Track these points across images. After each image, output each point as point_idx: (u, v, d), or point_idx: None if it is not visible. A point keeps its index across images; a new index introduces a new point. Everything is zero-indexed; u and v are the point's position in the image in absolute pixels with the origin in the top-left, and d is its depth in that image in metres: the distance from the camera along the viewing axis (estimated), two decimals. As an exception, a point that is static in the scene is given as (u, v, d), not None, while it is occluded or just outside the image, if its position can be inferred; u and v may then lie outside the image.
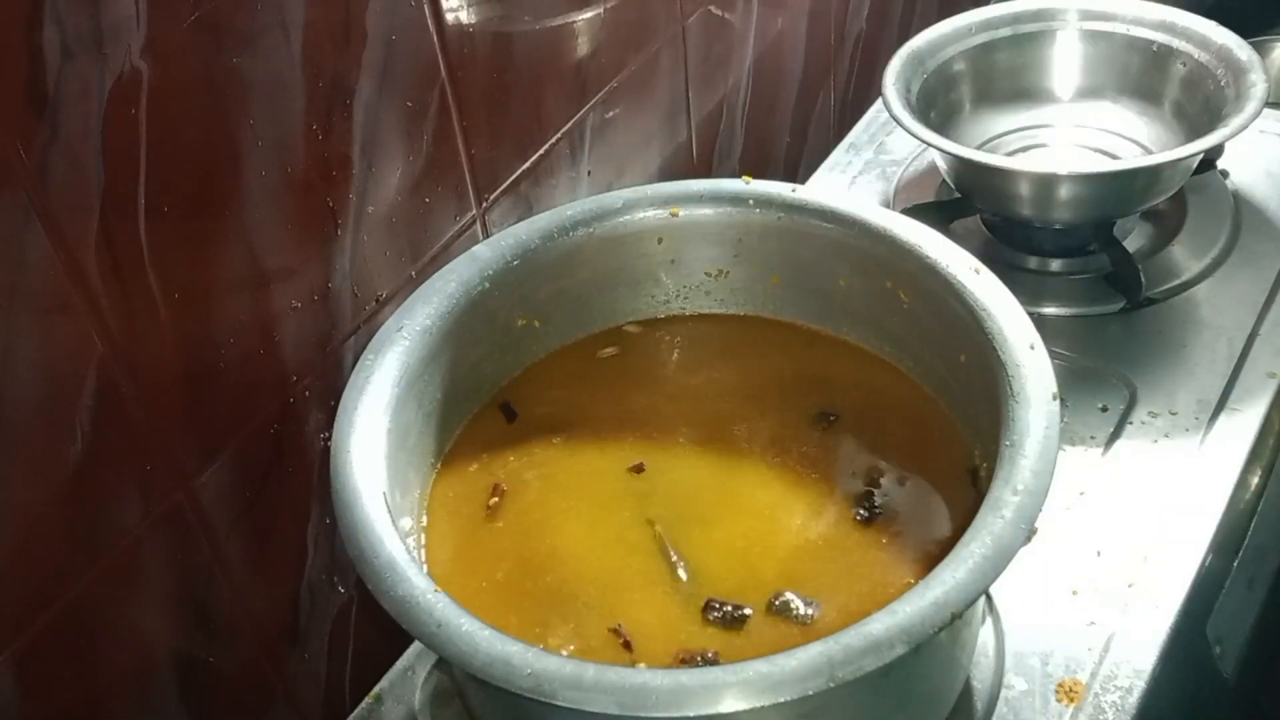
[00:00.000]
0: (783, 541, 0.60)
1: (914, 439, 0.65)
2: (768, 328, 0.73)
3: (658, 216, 0.70)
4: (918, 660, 0.50)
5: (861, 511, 0.61)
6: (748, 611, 0.56)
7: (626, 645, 0.56)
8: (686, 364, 0.72)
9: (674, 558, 0.59)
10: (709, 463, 0.65)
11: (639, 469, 0.64)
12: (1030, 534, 0.50)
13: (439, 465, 0.65)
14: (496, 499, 0.63)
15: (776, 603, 0.56)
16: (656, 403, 0.69)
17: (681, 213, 0.70)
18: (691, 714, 0.45)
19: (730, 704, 0.45)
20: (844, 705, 0.52)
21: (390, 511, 0.54)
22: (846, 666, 0.46)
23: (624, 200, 0.70)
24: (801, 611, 0.56)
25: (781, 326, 0.73)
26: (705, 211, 0.70)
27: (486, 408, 0.69)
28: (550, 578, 0.59)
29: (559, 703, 0.46)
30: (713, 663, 0.55)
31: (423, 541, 0.61)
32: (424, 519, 0.62)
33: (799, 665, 0.46)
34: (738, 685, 0.45)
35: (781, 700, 0.45)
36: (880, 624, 0.47)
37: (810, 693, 0.45)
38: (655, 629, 0.57)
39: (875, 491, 0.62)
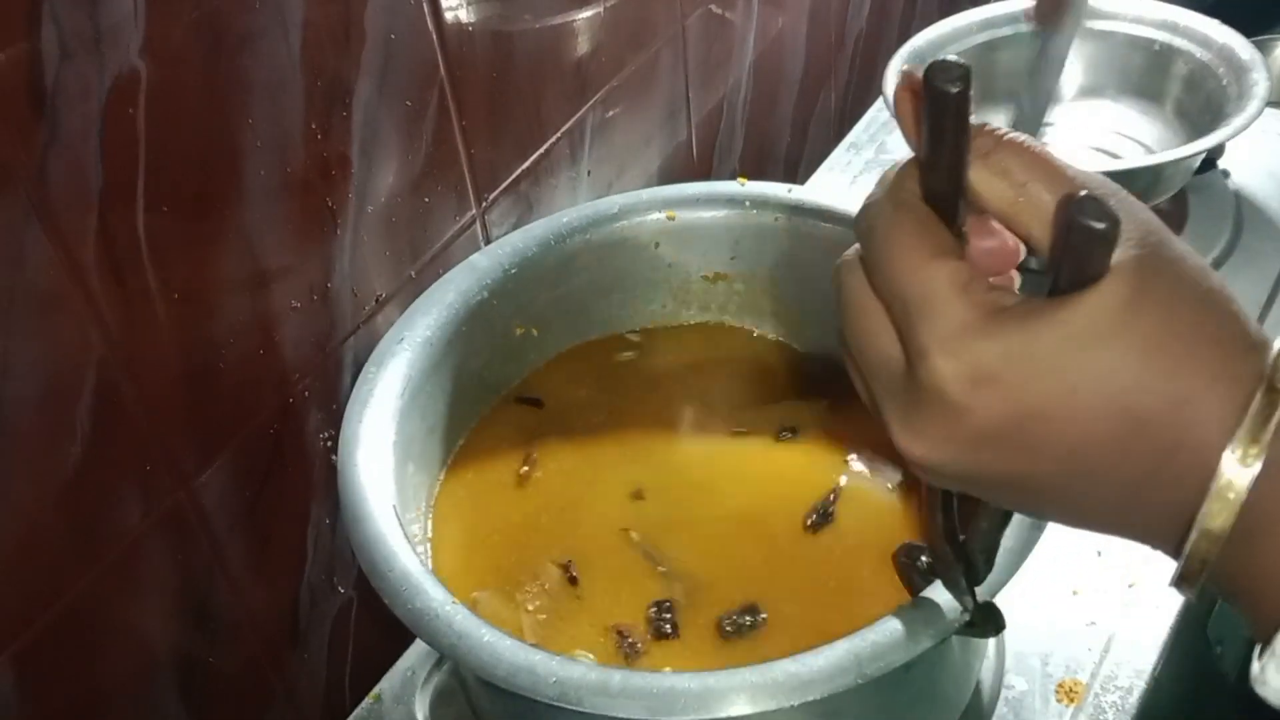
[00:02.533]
0: (763, 542, 0.61)
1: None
2: (767, 329, 0.73)
3: (654, 221, 0.70)
4: (935, 658, 0.50)
5: (813, 518, 0.61)
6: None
7: (573, 580, 0.58)
8: (685, 367, 0.72)
9: (653, 557, 0.60)
10: (704, 463, 0.65)
11: (638, 493, 0.64)
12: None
13: (443, 475, 0.65)
14: (512, 494, 0.64)
15: (725, 624, 0.56)
16: (654, 407, 0.69)
17: (678, 216, 0.70)
18: (721, 716, 0.45)
19: (760, 704, 0.45)
20: (866, 705, 0.52)
21: (401, 524, 0.54)
22: (875, 663, 0.46)
23: (620, 205, 0.70)
24: (746, 623, 0.56)
25: (781, 328, 0.73)
26: (702, 214, 0.70)
27: (489, 417, 0.69)
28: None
29: (586, 709, 0.46)
30: (634, 648, 0.56)
31: (429, 551, 0.61)
32: (430, 529, 0.62)
33: (826, 664, 0.46)
34: (766, 686, 0.46)
35: (810, 699, 0.45)
36: (904, 618, 0.47)
37: (839, 690, 0.45)
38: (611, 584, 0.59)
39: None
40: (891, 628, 0.47)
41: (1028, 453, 0.33)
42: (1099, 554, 0.70)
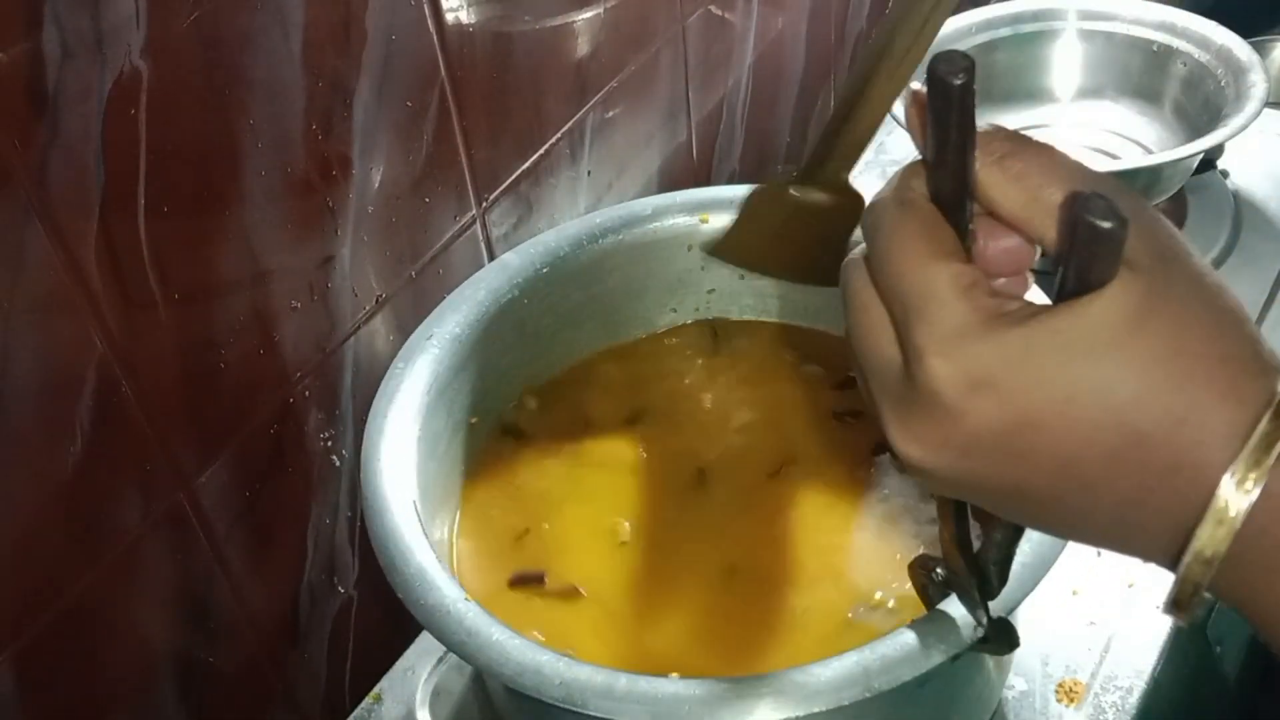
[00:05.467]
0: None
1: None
2: (800, 333, 0.73)
3: (687, 223, 0.70)
4: (955, 671, 0.49)
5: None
6: None
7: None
8: (715, 369, 0.72)
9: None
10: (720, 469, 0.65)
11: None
12: None
13: (468, 473, 0.65)
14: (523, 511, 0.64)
15: None
16: (686, 407, 0.69)
17: (711, 219, 0.69)
18: None
19: (764, 714, 0.45)
20: (879, 717, 0.52)
21: (420, 520, 0.54)
22: (883, 676, 0.45)
23: (653, 207, 0.70)
24: None
25: (815, 332, 0.73)
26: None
27: (516, 416, 0.68)
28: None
29: (590, 712, 0.46)
30: None
31: (455, 549, 0.61)
32: (455, 527, 0.62)
33: (834, 675, 0.46)
34: (772, 695, 0.45)
35: (817, 710, 0.45)
36: (917, 632, 0.47)
37: (845, 703, 0.45)
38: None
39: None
40: (903, 641, 0.46)
41: (1022, 461, 0.32)
42: (1099, 554, 0.70)
